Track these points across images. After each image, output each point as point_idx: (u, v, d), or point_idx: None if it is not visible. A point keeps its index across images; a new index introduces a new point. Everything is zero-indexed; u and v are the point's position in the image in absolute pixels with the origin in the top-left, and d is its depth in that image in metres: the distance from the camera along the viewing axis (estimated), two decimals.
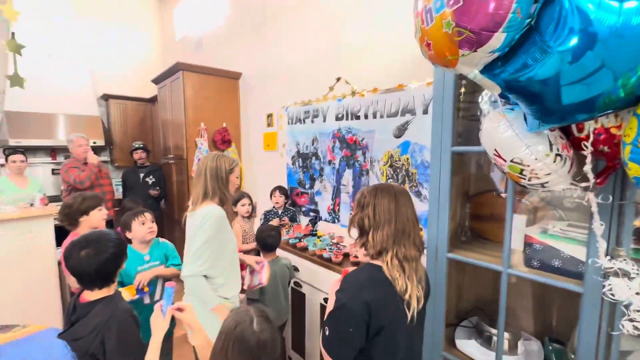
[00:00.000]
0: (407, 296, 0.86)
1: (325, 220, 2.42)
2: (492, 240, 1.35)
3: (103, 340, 1.00)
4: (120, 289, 1.46)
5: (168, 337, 1.67)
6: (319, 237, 2.21)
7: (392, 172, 1.93)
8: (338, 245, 2.03)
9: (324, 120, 2.35)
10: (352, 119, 2.14)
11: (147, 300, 1.60)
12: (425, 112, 1.71)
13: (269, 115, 2.89)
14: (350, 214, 2.09)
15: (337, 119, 2.24)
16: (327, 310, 0.96)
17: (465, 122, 1.28)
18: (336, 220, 2.35)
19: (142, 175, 3.38)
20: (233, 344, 0.80)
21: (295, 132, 2.61)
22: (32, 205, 2.46)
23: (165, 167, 3.50)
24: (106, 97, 4.30)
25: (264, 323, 0.84)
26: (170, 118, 3.26)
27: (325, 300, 1.90)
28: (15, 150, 3.19)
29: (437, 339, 1.27)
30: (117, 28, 4.56)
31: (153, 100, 4.19)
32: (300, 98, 2.54)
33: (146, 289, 1.55)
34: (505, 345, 1.18)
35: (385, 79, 1.91)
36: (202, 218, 1.37)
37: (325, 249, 1.95)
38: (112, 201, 3.28)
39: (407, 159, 1.84)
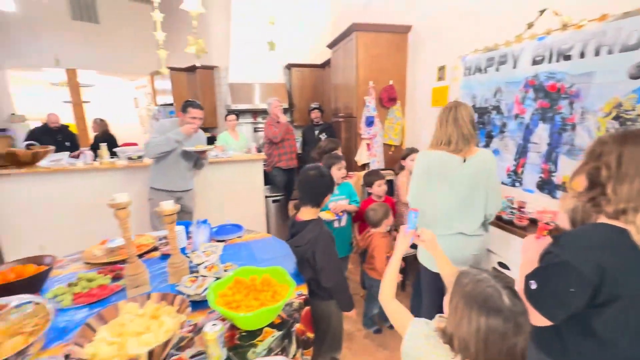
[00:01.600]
0: None
1: (502, 183, 2.17)
2: None
3: (314, 250, 1.32)
4: (321, 212, 1.90)
5: None
6: None
7: (617, 127, 1.49)
8: (522, 210, 1.80)
9: (514, 67, 2.01)
10: (557, 60, 1.74)
11: (336, 225, 2.02)
12: None
13: (441, 68, 2.71)
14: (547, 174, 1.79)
15: (535, 62, 1.87)
16: (524, 268, 0.90)
17: None
18: (517, 184, 2.06)
19: (316, 132, 3.93)
20: (487, 334, 0.66)
21: (473, 83, 2.36)
22: (248, 151, 3.33)
23: (336, 125, 3.93)
24: (289, 66, 5.09)
25: (514, 297, 0.69)
26: (342, 79, 3.56)
27: (500, 264, 1.77)
28: (231, 111, 4.34)
29: None
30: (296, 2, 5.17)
31: (324, 65, 4.65)
32: (482, 44, 2.25)
33: (340, 213, 2.01)
34: None
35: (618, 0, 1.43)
36: (491, 161, 1.46)
37: (504, 211, 1.77)
38: (295, 153, 4.01)
39: None
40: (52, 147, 2.70)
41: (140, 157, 2.80)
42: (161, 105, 5.70)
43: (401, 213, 2.43)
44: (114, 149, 3.06)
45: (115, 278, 1.38)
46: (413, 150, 2.39)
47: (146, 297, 1.06)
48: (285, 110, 5.17)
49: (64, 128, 4.46)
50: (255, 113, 5.21)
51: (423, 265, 1.59)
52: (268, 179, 3.71)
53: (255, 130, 5.24)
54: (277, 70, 5.06)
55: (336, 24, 5.06)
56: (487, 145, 2.29)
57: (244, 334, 1.05)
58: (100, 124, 4.80)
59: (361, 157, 3.22)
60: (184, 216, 2.55)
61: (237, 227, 1.94)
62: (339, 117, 3.74)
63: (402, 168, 2.50)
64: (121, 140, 5.17)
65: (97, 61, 6.21)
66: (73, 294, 1.23)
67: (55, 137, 4.20)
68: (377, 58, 3.12)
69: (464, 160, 1.43)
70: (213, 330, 0.91)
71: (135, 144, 5.07)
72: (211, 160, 2.97)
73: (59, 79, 6.35)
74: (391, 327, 2.15)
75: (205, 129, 3.56)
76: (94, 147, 4.29)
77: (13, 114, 5.81)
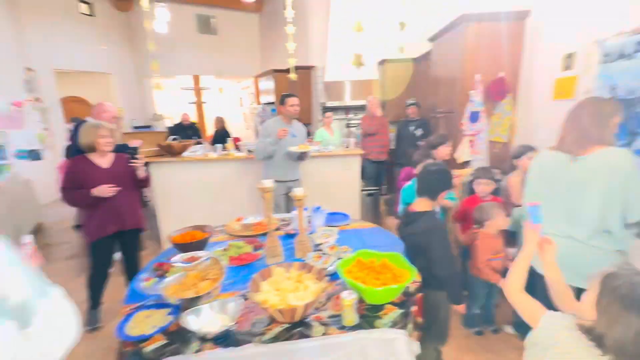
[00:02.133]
0: None
1: None
2: None
3: (430, 240, 1.39)
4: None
5: None
6: None
7: None
8: None
9: None
10: None
11: None
12: None
13: (568, 56, 2.41)
14: None
15: None
16: None
17: None
18: None
19: (411, 128, 3.91)
20: None
21: (613, 72, 2.05)
22: (347, 147, 3.53)
23: (433, 121, 3.83)
24: (383, 62, 5.12)
25: None
26: (444, 72, 3.45)
27: None
28: (327, 109, 4.63)
29: None
30: None
31: (421, 59, 4.54)
32: (628, 25, 1.93)
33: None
34: None
35: None
36: (620, 162, 1.28)
37: None
38: (386, 147, 4.08)
39: None
40: (193, 140, 3.35)
41: None
42: (264, 103, 6.38)
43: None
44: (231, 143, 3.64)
45: (255, 248, 1.70)
46: (529, 148, 2.21)
47: (289, 265, 1.31)
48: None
49: (192, 125, 5.42)
50: (347, 109, 5.41)
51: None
52: None
53: (347, 126, 5.45)
54: (371, 67, 5.14)
55: (438, 15, 4.86)
56: (629, 144, 1.97)
57: (368, 306, 1.20)
58: (220, 121, 5.67)
59: (462, 154, 3.09)
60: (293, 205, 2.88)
61: (345, 216, 2.13)
62: (437, 113, 3.64)
63: (513, 167, 2.33)
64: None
65: (214, 67, 7.28)
66: (229, 257, 1.58)
67: (186, 132, 5.14)
68: (486, 49, 2.93)
69: (575, 160, 1.31)
70: (350, 297, 1.08)
71: (239, 139, 5.87)
72: (314, 154, 3.26)
73: (186, 84, 7.66)
74: (495, 331, 2.07)
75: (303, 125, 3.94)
76: (214, 141, 5.12)
77: (155, 113, 7.26)
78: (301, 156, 2.89)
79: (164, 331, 1.09)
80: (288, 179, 2.87)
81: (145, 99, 7.26)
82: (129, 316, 1.17)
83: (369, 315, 1.15)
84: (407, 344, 1.10)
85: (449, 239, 1.40)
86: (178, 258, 1.39)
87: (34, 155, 4.84)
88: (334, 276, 1.36)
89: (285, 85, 5.74)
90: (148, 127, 7.12)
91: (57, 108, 5.74)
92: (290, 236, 1.85)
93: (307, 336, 1.05)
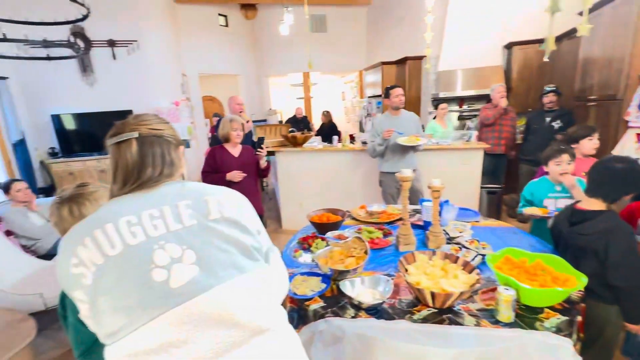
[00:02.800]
0: None
1: None
2: None
3: (608, 242, 1.20)
4: (531, 208, 1.82)
5: None
6: None
7: None
8: None
9: None
10: None
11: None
12: None
13: None
14: None
15: None
16: None
17: None
18: None
19: (548, 119, 3.37)
20: None
21: None
22: (467, 139, 3.29)
23: (579, 111, 3.23)
24: (510, 45, 4.53)
25: None
26: (601, 51, 2.86)
27: None
28: (439, 100, 4.39)
29: None
30: None
31: (562, 37, 3.84)
32: None
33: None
34: None
35: None
36: None
37: None
38: (508, 140, 3.64)
39: None
40: (312, 132, 3.65)
41: (372, 141, 3.34)
42: (369, 97, 6.44)
43: None
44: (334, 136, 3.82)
45: (385, 235, 1.78)
46: None
47: (432, 253, 1.33)
48: None
49: (304, 118, 5.88)
50: (461, 100, 5.01)
51: None
52: None
53: (460, 118, 5.05)
54: (494, 52, 4.62)
55: None
56: None
57: (522, 306, 1.14)
58: (327, 115, 5.99)
59: (625, 150, 2.53)
60: (412, 197, 2.82)
61: (475, 213, 2.02)
62: (587, 100, 3.05)
63: None
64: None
65: (322, 63, 7.68)
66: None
67: (299, 125, 5.61)
68: None
69: None
70: (509, 293, 1.04)
71: (340, 133, 6.09)
72: (431, 147, 3.16)
73: (296, 81, 8.30)
74: None
75: None
76: (320, 133, 5.46)
77: (270, 109, 8.12)
78: (416, 149, 2.84)
79: (321, 295, 1.26)
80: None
81: (263, 96, 8.19)
82: (289, 279, 1.39)
83: (526, 316, 1.09)
84: (573, 356, 1.01)
85: (635, 244, 1.19)
86: (330, 235, 1.56)
87: (185, 144, 6.05)
88: None
89: (392, 77, 5.67)
90: (264, 120, 8.03)
91: (199, 106, 6.99)
92: (414, 226, 1.86)
93: (457, 324, 1.07)
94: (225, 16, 6.92)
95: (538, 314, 1.10)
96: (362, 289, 1.23)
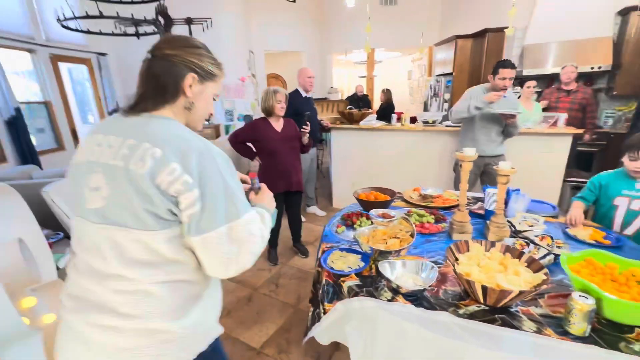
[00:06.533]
0: None
1: None
2: None
3: None
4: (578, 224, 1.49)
5: None
6: None
7: None
8: None
9: None
10: None
11: None
12: None
13: None
14: None
15: None
16: None
17: None
18: None
19: None
20: None
21: None
22: (554, 123, 2.80)
23: None
24: (626, 11, 3.67)
25: None
26: None
27: None
28: (524, 77, 3.78)
29: None
30: None
31: None
32: None
33: None
34: None
35: None
36: None
37: None
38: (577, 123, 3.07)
39: None
40: (370, 110, 3.48)
41: (434, 122, 3.06)
42: (438, 75, 5.91)
43: None
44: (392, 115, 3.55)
45: (437, 220, 1.62)
46: None
47: (490, 244, 1.16)
48: (598, 75, 3.91)
49: (365, 97, 5.66)
50: (550, 79, 4.29)
51: None
52: None
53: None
54: (602, 20, 3.80)
55: None
56: None
57: (603, 320, 0.93)
58: (387, 94, 5.68)
59: None
60: (493, 183, 2.49)
61: (553, 207, 1.72)
62: None
63: None
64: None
65: (390, 39, 7.23)
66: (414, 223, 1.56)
67: (358, 103, 5.43)
68: None
69: None
70: (586, 302, 0.85)
71: (402, 113, 5.70)
72: None
73: (360, 59, 8.00)
74: None
75: None
76: (380, 113, 5.20)
77: (331, 87, 8.01)
78: (506, 128, 2.42)
79: (357, 273, 1.19)
80: (487, 154, 2.44)
81: (325, 74, 8.10)
82: (328, 253, 1.34)
83: (607, 332, 0.88)
84: None
85: None
86: (374, 212, 1.48)
87: (248, 119, 6.32)
88: None
89: (466, 53, 5.08)
90: (324, 98, 7.98)
91: (263, 83, 7.20)
92: (473, 215, 1.66)
93: (513, 327, 0.91)
94: None
95: (625, 333, 0.88)
96: (402, 272, 1.13)
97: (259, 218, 0.79)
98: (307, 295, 2.13)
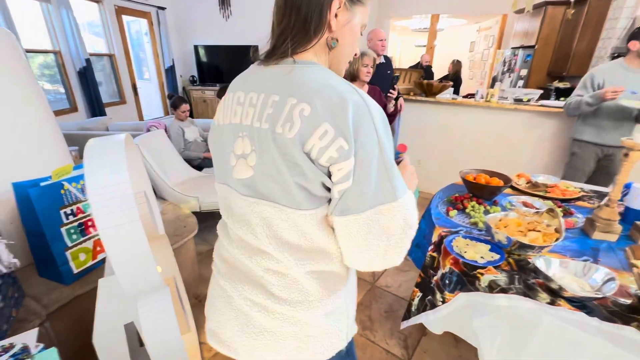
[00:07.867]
0: None
1: None
2: None
3: None
4: None
5: None
6: None
7: None
8: None
9: None
10: None
11: None
12: None
13: None
14: None
15: None
16: None
17: None
18: None
19: None
20: None
21: None
22: None
23: None
24: None
25: None
26: None
27: None
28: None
29: None
30: None
31: None
32: None
33: None
34: None
35: None
36: None
37: None
38: None
39: None
40: (450, 83, 3.17)
41: (529, 100, 2.72)
42: (513, 48, 5.30)
43: None
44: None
45: (565, 214, 1.42)
46: None
47: None
48: None
49: (428, 67, 5.23)
50: None
51: None
52: None
53: None
54: None
55: None
56: None
57: None
58: (456, 65, 5.22)
59: None
60: (606, 178, 2.16)
61: None
62: None
63: None
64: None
65: (456, 3, 6.53)
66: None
67: (421, 74, 5.03)
68: None
69: None
70: None
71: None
72: None
73: (420, 26, 7.36)
74: None
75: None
76: None
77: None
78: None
79: (496, 266, 1.06)
80: (607, 143, 2.11)
81: None
82: (450, 238, 1.21)
83: None
84: None
85: None
86: (515, 199, 1.31)
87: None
88: None
89: (555, 23, 4.46)
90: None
91: None
92: None
93: None
94: None
95: None
96: (563, 273, 0.98)
97: (415, 202, 0.61)
98: (380, 272, 2.06)
